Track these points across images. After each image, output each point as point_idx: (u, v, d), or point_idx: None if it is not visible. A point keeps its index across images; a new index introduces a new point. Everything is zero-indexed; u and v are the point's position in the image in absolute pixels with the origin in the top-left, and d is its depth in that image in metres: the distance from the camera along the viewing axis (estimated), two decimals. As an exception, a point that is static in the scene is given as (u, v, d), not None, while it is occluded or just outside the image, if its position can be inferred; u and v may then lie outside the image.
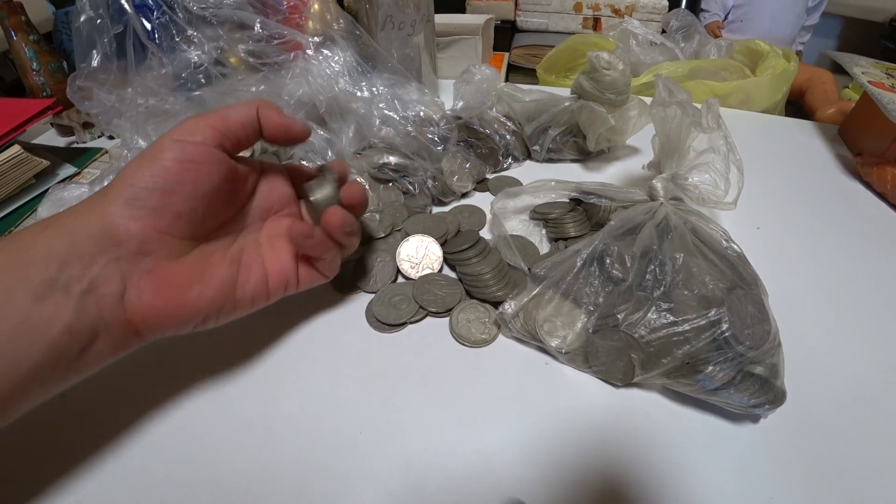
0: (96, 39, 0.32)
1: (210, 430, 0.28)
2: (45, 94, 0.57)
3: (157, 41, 0.35)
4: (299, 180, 0.32)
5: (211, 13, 0.37)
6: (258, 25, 0.38)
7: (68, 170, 0.47)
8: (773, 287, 0.33)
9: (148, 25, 0.35)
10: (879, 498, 0.26)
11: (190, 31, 0.36)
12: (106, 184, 0.38)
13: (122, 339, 0.23)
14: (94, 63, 0.32)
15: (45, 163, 0.45)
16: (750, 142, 0.57)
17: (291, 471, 0.26)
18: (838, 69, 0.69)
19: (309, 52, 0.39)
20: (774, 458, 0.28)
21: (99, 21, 0.32)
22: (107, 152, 0.50)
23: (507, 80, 1.26)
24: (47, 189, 0.44)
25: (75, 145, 0.54)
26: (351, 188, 0.30)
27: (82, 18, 0.31)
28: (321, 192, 0.29)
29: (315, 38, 0.40)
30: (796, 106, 0.99)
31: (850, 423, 0.29)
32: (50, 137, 0.56)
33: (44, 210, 0.41)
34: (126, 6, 0.32)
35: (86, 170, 0.48)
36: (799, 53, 1.51)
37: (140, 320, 0.23)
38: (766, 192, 0.49)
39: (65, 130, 0.55)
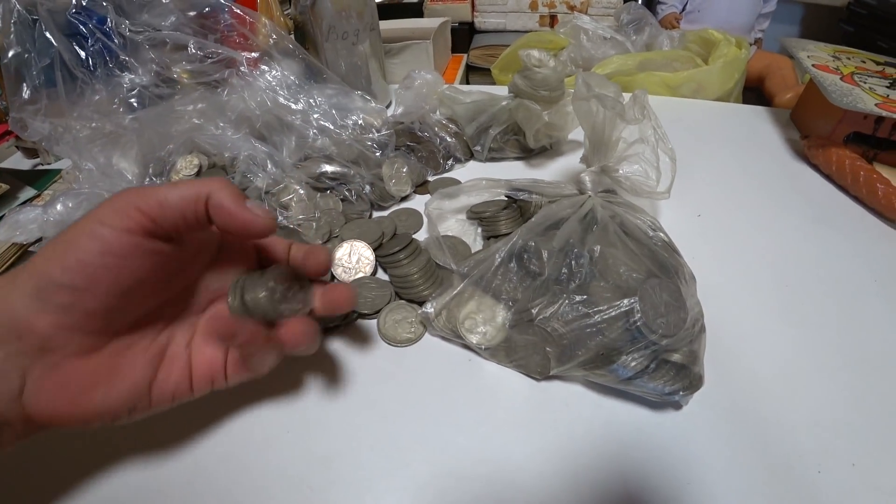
0: (24, 73, 0.34)
1: (138, 434, 0.29)
2: (7, 118, 0.59)
3: (92, 68, 0.37)
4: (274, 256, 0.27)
5: (145, 37, 0.39)
6: (192, 46, 0.40)
7: (29, 192, 0.49)
8: (708, 273, 0.34)
9: (82, 53, 0.37)
10: (799, 480, 0.26)
11: (123, 56, 0.37)
12: (57, 209, 0.40)
13: (24, 431, 0.21)
14: (25, 95, 0.34)
15: (5, 187, 0.47)
16: (701, 130, 0.58)
17: (221, 471, 0.27)
18: (799, 54, 0.69)
19: (243, 68, 0.40)
20: (696, 444, 0.28)
21: (26, 56, 0.33)
22: (61, 174, 0.52)
23: (467, 81, 1.27)
24: (3, 215, 0.45)
25: (40, 167, 0.56)
26: (333, 293, 0.26)
27: (10, 54, 0.33)
28: (249, 295, 0.24)
29: (250, 54, 0.42)
30: (757, 93, 0.99)
31: (775, 407, 0.30)
32: (16, 160, 0.57)
33: (0, 234, 0.43)
34: (52, 40, 0.34)
35: (45, 192, 0.49)
36: (759, 41, 1.51)
37: (40, 418, 0.21)
38: (713, 179, 0.49)
39: (30, 153, 0.57)
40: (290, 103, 0.41)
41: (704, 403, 0.30)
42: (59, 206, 0.40)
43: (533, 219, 0.35)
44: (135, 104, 0.37)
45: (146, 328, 0.24)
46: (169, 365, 0.24)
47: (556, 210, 0.35)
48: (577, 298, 0.30)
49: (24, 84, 0.34)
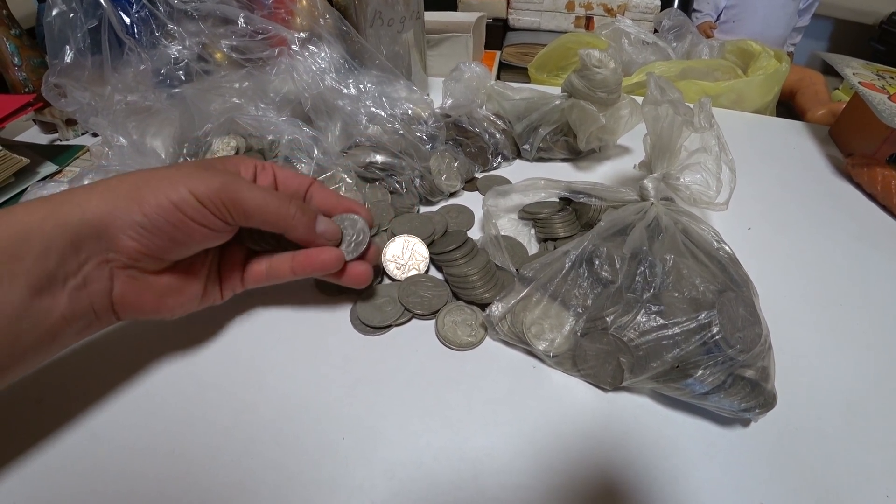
0: (69, 34, 0.31)
1: (186, 437, 0.27)
2: (27, 89, 0.56)
3: (136, 36, 0.34)
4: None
5: (193, 7, 0.36)
6: (242, 20, 0.37)
7: (49, 168, 0.46)
8: (763, 288, 0.33)
9: (126, 19, 0.34)
10: (867, 502, 0.26)
11: (171, 26, 0.35)
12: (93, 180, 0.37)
13: (106, 321, 0.26)
14: (68, 59, 0.31)
15: (25, 161, 0.44)
16: (742, 142, 0.57)
17: (271, 479, 0.25)
18: (829, 70, 0.69)
19: (294, 48, 0.38)
20: (765, 461, 0.27)
21: (72, 15, 0.31)
22: (88, 150, 0.49)
23: (498, 78, 1.25)
24: (26, 188, 0.43)
25: (58, 142, 0.53)
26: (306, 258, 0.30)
27: (54, 13, 0.30)
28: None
29: (301, 33, 0.40)
30: (787, 107, 0.99)
31: (839, 426, 0.29)
32: (33, 134, 0.55)
33: (21, 209, 0.40)
34: (101, 0, 0.31)
35: (67, 168, 0.47)
36: (790, 55, 1.51)
37: (122, 311, 0.26)
38: (758, 192, 0.49)
39: (47, 127, 0.54)
40: (340, 87, 0.39)
41: (770, 420, 0.29)
42: (86, 183, 0.38)
43: (601, 223, 0.33)
44: (182, 77, 0.35)
45: (202, 255, 0.28)
46: (213, 282, 0.30)
47: (623, 216, 0.34)
48: (654, 308, 0.29)
49: (68, 46, 0.31)
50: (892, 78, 0.55)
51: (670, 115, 0.35)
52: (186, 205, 0.24)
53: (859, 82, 0.52)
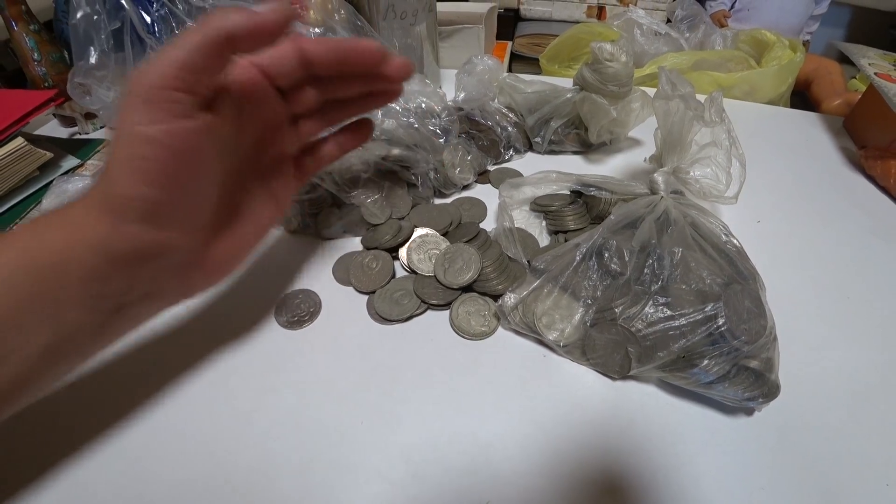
0: (93, 36, 0.32)
1: (208, 422, 0.28)
2: (46, 84, 0.57)
3: (157, 34, 0.35)
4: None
5: (210, 4, 0.37)
6: (258, 17, 0.38)
7: (72, 161, 0.47)
8: (772, 281, 0.33)
9: (147, 19, 0.35)
10: (867, 491, 0.26)
11: (189, 23, 0.36)
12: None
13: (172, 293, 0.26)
14: (92, 60, 0.32)
15: (49, 154, 0.45)
16: (754, 134, 0.57)
17: (292, 462, 0.27)
18: (845, 60, 0.68)
19: (309, 43, 0.39)
20: (768, 450, 0.28)
21: (96, 17, 0.32)
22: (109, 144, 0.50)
23: (510, 69, 1.24)
24: (51, 181, 0.44)
25: (78, 136, 0.54)
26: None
27: (79, 15, 0.31)
28: None
29: (315, 28, 0.40)
30: (802, 97, 0.97)
31: (843, 418, 0.30)
32: (52, 128, 0.56)
33: (48, 202, 0.41)
34: (123, 2, 0.32)
35: (88, 161, 0.48)
36: (806, 44, 1.47)
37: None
38: (768, 185, 0.49)
39: (67, 121, 0.55)
40: (355, 82, 0.39)
41: (775, 410, 0.30)
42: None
43: (612, 217, 0.34)
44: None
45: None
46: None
47: (633, 209, 0.35)
48: (661, 300, 0.30)
49: (92, 48, 0.32)
50: (909, 68, 0.54)
51: (681, 109, 0.36)
52: (137, 143, 0.20)
53: (875, 73, 0.52)
